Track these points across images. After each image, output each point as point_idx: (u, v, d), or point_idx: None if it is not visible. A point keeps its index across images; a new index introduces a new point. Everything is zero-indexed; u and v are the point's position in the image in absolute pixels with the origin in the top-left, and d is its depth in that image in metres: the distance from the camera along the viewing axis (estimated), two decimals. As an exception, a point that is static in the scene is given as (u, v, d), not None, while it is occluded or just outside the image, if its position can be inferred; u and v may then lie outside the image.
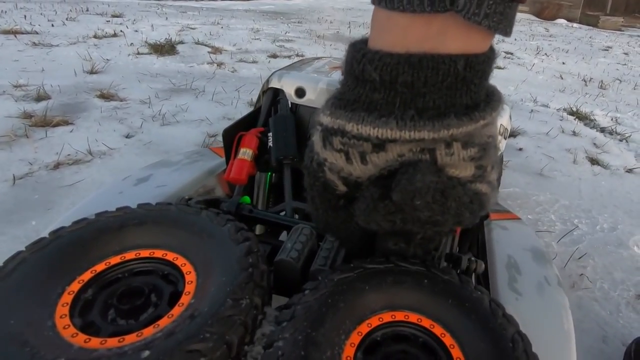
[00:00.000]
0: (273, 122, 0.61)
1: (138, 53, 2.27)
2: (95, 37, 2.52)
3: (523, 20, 9.55)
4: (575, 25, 18.61)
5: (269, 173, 0.68)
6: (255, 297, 0.28)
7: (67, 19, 3.12)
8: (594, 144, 1.64)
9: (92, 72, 1.84)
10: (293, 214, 0.53)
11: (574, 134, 1.72)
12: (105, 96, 1.51)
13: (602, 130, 1.85)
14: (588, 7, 25.86)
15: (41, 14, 3.41)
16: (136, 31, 2.90)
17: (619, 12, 27.29)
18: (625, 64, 4.02)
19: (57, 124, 1.24)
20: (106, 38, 2.54)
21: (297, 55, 2.66)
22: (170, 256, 0.33)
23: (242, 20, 4.48)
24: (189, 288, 0.30)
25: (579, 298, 0.83)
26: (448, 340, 0.28)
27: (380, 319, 0.28)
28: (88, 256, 0.32)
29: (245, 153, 0.58)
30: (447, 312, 0.29)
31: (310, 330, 0.26)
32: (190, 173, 0.60)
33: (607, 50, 4.96)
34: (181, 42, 2.61)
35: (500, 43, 4.53)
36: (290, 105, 0.64)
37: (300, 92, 0.64)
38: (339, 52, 3.06)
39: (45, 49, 2.15)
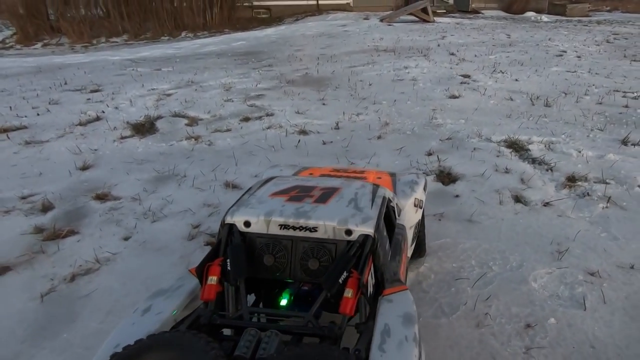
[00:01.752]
0: (230, 251, 0.92)
1: (122, 137, 2.60)
2: (80, 124, 2.85)
3: (488, 26, 10.05)
4: (544, 17, 19.31)
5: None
6: None
7: (50, 103, 3.46)
8: (522, 179, 1.98)
9: (84, 168, 2.16)
10: (249, 318, 0.84)
11: (506, 171, 2.06)
12: (101, 197, 1.82)
13: (533, 161, 2.19)
14: (556, -5, 26.26)
15: (23, 97, 3.75)
16: (116, 108, 3.23)
17: None
18: (574, 71, 4.43)
19: (66, 235, 1.55)
20: (90, 124, 2.87)
21: (267, 115, 3.00)
22: None
23: (214, 72, 4.84)
24: None
25: (481, 334, 1.14)
26: None
27: None
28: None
29: (212, 280, 0.90)
30: None
31: None
32: (178, 299, 0.91)
33: (562, 55, 5.40)
34: (159, 117, 2.95)
35: (461, 63, 4.95)
36: (240, 234, 0.94)
37: (247, 224, 0.95)
38: (306, 102, 3.41)
39: (37, 146, 2.47)
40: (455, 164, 2.14)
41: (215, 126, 2.79)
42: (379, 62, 5.13)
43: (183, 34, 16.22)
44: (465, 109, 3.18)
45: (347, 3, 20.37)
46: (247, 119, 2.94)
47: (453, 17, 18.17)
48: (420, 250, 1.39)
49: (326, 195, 0.99)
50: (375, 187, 1.07)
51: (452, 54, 5.65)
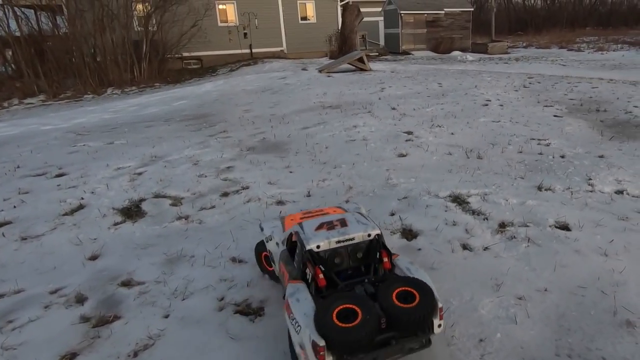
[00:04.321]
0: (320, 262, 1.69)
1: (115, 224, 3.05)
2: (66, 214, 3.25)
3: (421, 73, 11.58)
4: (469, 56, 22.02)
5: None
6: None
7: (19, 192, 3.78)
8: (466, 229, 2.75)
9: (93, 258, 2.60)
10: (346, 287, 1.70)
11: (454, 223, 2.83)
12: (126, 283, 2.29)
13: (473, 212, 2.99)
14: (477, 35, 30.42)
15: (-18, 188, 4.01)
16: (93, 193, 3.65)
17: (504, 34, 32.26)
18: (499, 121, 5.56)
19: (113, 320, 2.01)
20: (76, 212, 3.28)
21: (243, 188, 3.60)
22: None
23: (172, 143, 5.37)
24: None
25: (451, 351, 1.79)
26: None
27: None
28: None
29: (321, 276, 1.65)
30: None
31: None
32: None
33: (487, 105, 6.64)
34: (142, 200, 3.43)
35: (403, 118, 5.95)
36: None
37: (318, 247, 1.69)
38: (274, 171, 4.07)
39: (35, 241, 2.85)
40: (414, 221, 2.88)
41: (199, 204, 3.33)
42: (329, 122, 5.99)
43: (109, 90, 16.51)
44: (413, 166, 4.02)
45: (280, 50, 21.99)
46: (226, 194, 3.51)
47: (386, 60, 20.25)
48: None
49: (343, 222, 1.79)
50: (359, 212, 2.00)
51: (394, 108, 6.70)
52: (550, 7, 39.42)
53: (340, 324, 1.37)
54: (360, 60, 12.48)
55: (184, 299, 2.15)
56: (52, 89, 15.77)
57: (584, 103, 6.69)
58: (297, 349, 1.46)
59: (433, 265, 2.37)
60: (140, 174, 4.12)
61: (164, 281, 2.30)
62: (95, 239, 2.86)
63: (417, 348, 1.52)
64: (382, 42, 28.52)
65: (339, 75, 11.72)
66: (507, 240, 2.62)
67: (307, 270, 1.66)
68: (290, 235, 1.84)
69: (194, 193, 3.57)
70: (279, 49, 22.05)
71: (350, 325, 1.37)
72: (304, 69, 13.57)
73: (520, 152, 4.34)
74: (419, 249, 2.56)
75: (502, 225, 2.79)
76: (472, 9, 26.85)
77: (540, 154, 4.25)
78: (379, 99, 7.72)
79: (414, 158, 4.28)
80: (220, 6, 20.48)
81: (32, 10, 17.13)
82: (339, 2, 22.54)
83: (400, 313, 1.44)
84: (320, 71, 12.39)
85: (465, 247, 2.56)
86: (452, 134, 5.09)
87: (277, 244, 2.01)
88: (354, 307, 1.43)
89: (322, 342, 1.34)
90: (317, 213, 2.07)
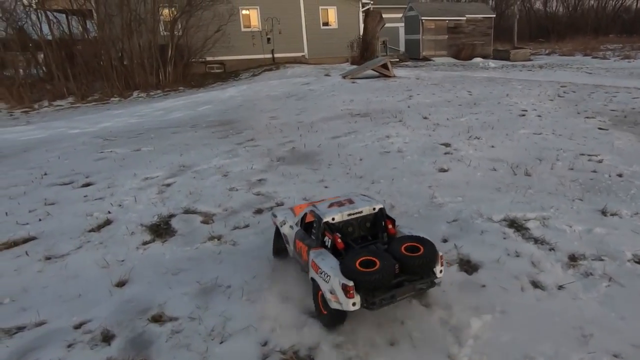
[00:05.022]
0: (336, 230, 2.00)
1: (143, 243, 2.78)
2: (92, 230, 3.00)
3: (447, 80, 11.15)
4: (491, 63, 21.42)
5: None
6: None
7: (45, 203, 3.56)
8: (532, 262, 2.39)
9: (120, 285, 2.32)
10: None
11: (517, 254, 2.47)
12: (157, 319, 2.01)
13: (536, 241, 2.63)
14: (497, 42, 29.77)
15: (9, 197, 3.81)
16: (121, 206, 3.40)
17: (525, 40, 31.50)
18: (540, 133, 5.16)
19: (144, 366, 1.72)
20: (103, 228, 3.02)
21: (278, 204, 3.30)
22: None
23: (200, 151, 5.12)
24: None
25: None
26: None
27: None
28: None
29: (338, 241, 1.96)
30: None
31: None
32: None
33: (524, 115, 6.22)
34: (171, 216, 3.16)
35: (437, 128, 5.58)
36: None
37: (333, 219, 2.01)
38: (308, 185, 3.76)
39: (59, 261, 2.60)
40: (471, 250, 2.53)
41: (232, 222, 3.04)
42: (359, 131, 5.66)
43: (135, 94, 16.50)
44: (457, 183, 3.67)
45: (302, 55, 21.75)
46: (259, 211, 3.22)
47: (407, 66, 19.80)
48: None
49: (350, 201, 2.10)
50: (362, 194, 2.24)
51: (425, 117, 6.33)
52: (572, 14, 38.34)
53: (363, 269, 1.69)
54: (384, 66, 12.11)
55: (221, 342, 1.85)
56: (81, 92, 15.81)
57: (627, 115, 6.21)
58: (328, 295, 1.74)
59: (503, 309, 2.02)
60: (168, 185, 3.86)
61: (198, 318, 2.00)
62: (122, 260, 2.59)
63: (424, 288, 1.87)
64: (401, 48, 28.07)
65: (364, 81, 11.38)
66: (583, 277, 2.25)
67: (326, 239, 1.96)
68: (305, 215, 2.14)
69: (225, 209, 3.28)
70: (300, 54, 21.82)
71: (371, 269, 1.69)
72: (326, 75, 13.27)
73: (572, 169, 3.94)
74: (483, 286, 2.21)
75: (573, 258, 2.43)
76: (494, 16, 26.20)
77: (594, 171, 3.84)
78: (408, 107, 7.36)
79: (456, 173, 3.92)
80: (244, 11, 20.36)
81: (64, 15, 17.25)
82: (360, 8, 22.20)
83: (409, 260, 1.78)
84: (344, 77, 12.07)
85: (535, 284, 2.20)
86: (492, 146, 4.71)
87: (290, 227, 2.27)
88: (372, 258, 1.74)
89: (350, 283, 1.66)
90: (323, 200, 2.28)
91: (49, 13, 16.29)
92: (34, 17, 16.14)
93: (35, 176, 4.40)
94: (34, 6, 15.83)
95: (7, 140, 7.41)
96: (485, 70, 18.20)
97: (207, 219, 3.12)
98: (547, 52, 26.89)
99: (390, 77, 12.05)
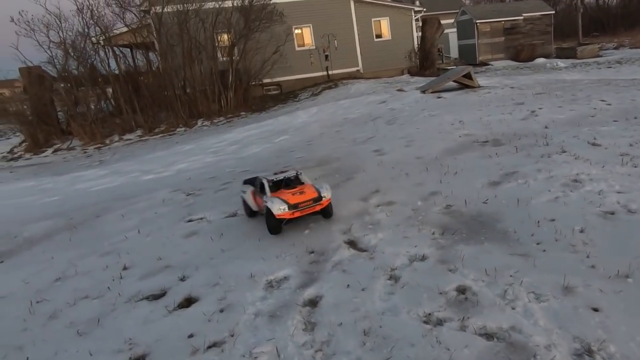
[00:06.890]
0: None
1: None
2: None
3: (545, 86, 9.03)
4: (560, 62, 18.79)
5: None
6: None
7: (130, 347, 2.09)
8: None
9: None
10: None
11: None
12: None
13: None
14: (560, 39, 26.79)
15: (77, 332, 2.39)
16: (254, 366, 1.85)
17: (578, 36, 28.06)
18: None
19: None
20: None
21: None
22: None
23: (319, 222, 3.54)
24: None
25: None
26: None
27: None
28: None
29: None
30: None
31: None
32: None
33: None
34: None
35: (630, 165, 3.72)
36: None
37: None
38: (547, 300, 2.05)
39: None
40: None
41: None
42: (519, 171, 3.90)
43: (199, 122, 15.50)
44: None
45: (356, 70, 20.08)
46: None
47: (475, 72, 17.64)
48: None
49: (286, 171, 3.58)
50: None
51: (595, 144, 4.45)
52: (627, 5, 34.35)
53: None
54: (467, 76, 10.21)
55: None
56: (148, 124, 14.99)
57: None
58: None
59: None
60: (315, 303, 2.27)
61: None
62: None
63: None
64: (453, 54, 25.81)
65: (449, 94, 9.53)
66: None
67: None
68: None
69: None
70: (354, 69, 20.16)
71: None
72: (399, 90, 11.52)
73: None
74: None
75: None
76: (553, 12, 23.44)
77: None
78: (546, 127, 5.47)
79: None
80: (297, 30, 19.04)
81: (129, 49, 16.67)
82: (413, 17, 20.27)
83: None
84: (423, 92, 10.28)
85: None
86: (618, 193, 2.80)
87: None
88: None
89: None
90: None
91: (115, 48, 15.72)
92: (102, 53, 15.62)
93: (112, 274, 2.98)
94: (102, 43, 15.29)
95: (79, 193, 6.25)
96: (559, 72, 15.78)
97: None
98: (614, 45, 23.69)
99: (473, 87, 10.13)
